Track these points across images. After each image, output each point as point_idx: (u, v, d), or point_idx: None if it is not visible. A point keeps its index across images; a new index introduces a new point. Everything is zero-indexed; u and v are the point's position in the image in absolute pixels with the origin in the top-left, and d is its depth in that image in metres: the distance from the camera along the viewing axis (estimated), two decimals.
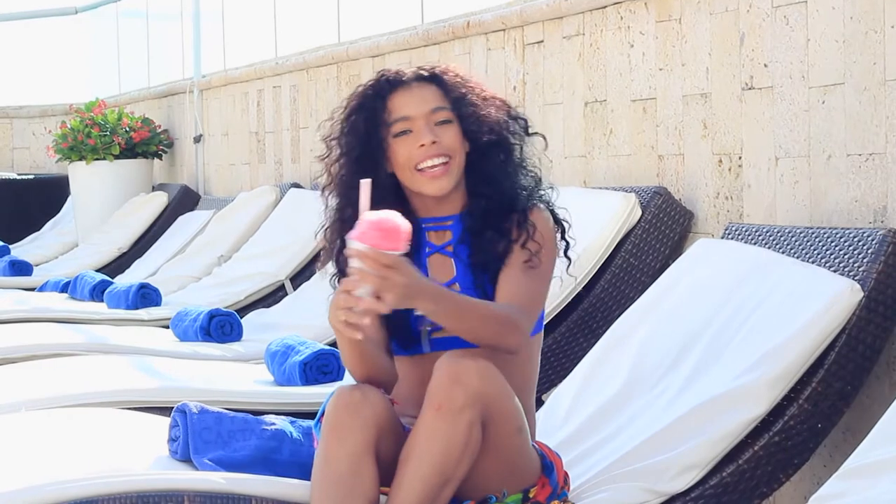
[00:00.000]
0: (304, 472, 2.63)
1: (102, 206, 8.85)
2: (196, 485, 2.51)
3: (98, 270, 7.46)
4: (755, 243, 3.28)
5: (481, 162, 2.59)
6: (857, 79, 3.19)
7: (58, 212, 10.13)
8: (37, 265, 8.31)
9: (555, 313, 3.82)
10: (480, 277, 2.56)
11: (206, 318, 4.72)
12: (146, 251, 7.90)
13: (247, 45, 8.20)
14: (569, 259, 2.65)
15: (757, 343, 2.82)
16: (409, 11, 5.96)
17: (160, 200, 8.41)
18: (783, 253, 3.14)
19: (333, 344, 3.71)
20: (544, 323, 2.68)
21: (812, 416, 2.73)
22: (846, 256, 2.92)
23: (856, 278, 2.83)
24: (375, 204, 2.36)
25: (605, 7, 4.30)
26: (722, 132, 3.76)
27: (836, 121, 3.27)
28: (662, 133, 4.04)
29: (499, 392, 2.42)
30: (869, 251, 2.86)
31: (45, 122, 11.13)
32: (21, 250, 9.22)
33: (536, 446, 2.57)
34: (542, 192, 2.64)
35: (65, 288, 6.64)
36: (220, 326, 4.74)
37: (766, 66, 3.55)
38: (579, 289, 3.85)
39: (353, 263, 2.30)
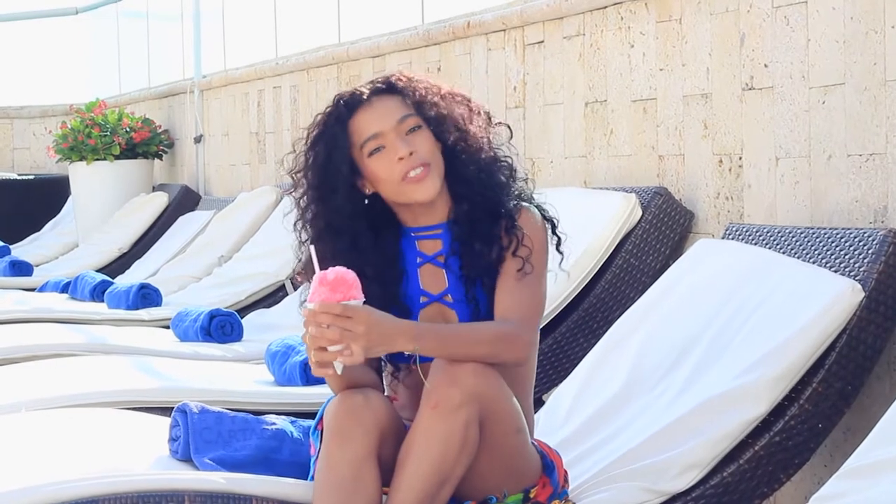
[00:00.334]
0: (304, 472, 2.63)
1: (103, 207, 8.85)
2: (197, 485, 2.51)
3: (98, 271, 7.46)
4: (756, 243, 3.28)
5: (455, 161, 2.56)
6: (857, 79, 3.19)
7: (58, 212, 10.13)
8: (37, 265, 8.31)
9: (555, 313, 3.82)
10: (472, 291, 2.55)
11: (206, 319, 4.72)
12: (147, 251, 7.90)
13: (247, 45, 8.20)
14: (561, 253, 2.62)
15: (758, 343, 2.82)
16: (409, 12, 5.96)
17: (160, 201, 8.41)
18: (784, 253, 3.14)
19: None
20: (544, 324, 2.68)
21: (813, 416, 2.73)
22: (847, 257, 2.92)
23: (856, 278, 2.83)
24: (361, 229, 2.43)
25: (605, 7, 4.30)
26: (722, 132, 3.76)
27: (837, 121, 3.27)
28: (663, 133, 4.04)
29: (496, 392, 2.42)
30: (869, 251, 2.87)
31: (45, 122, 11.13)
32: (21, 250, 9.22)
33: (537, 445, 2.57)
34: (522, 184, 2.60)
35: (65, 288, 6.64)
36: (221, 327, 4.74)
37: (766, 66, 3.55)
38: (580, 289, 3.85)
39: (310, 326, 2.32)
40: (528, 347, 2.50)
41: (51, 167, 10.81)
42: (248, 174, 7.88)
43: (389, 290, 2.55)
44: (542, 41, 4.70)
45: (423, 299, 2.57)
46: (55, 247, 9.24)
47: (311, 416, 2.67)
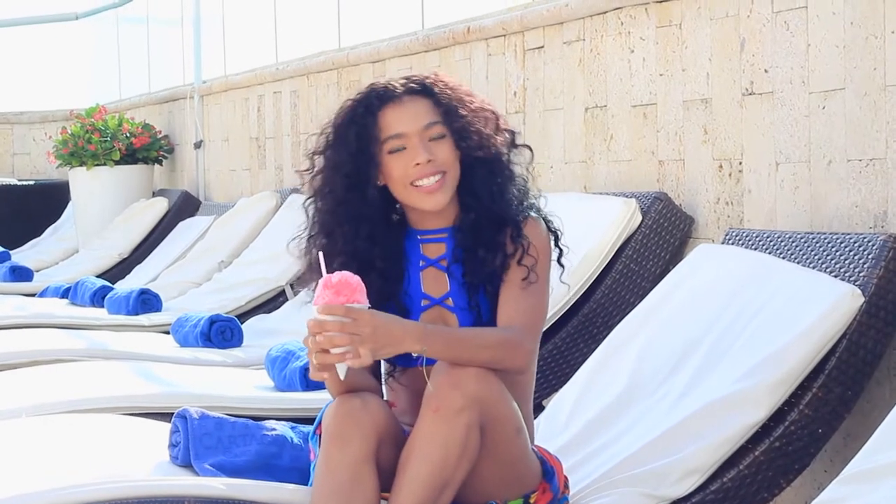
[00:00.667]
0: (304, 477, 2.63)
1: (103, 212, 8.85)
2: (197, 490, 2.51)
3: (98, 276, 7.46)
4: (756, 249, 3.28)
5: (471, 175, 2.56)
6: (857, 84, 3.19)
7: (58, 217, 10.13)
8: (37, 271, 8.31)
9: (555, 319, 3.82)
10: (475, 298, 2.55)
11: (206, 324, 4.72)
12: (147, 257, 7.90)
13: (247, 50, 8.20)
14: (562, 266, 2.63)
15: (757, 348, 2.82)
16: (409, 17, 5.96)
17: (160, 206, 8.41)
18: (784, 258, 3.14)
19: None
20: (544, 329, 2.68)
21: (813, 422, 2.73)
22: (847, 262, 2.92)
23: (856, 283, 2.83)
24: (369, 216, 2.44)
25: (605, 12, 4.31)
26: (722, 137, 3.76)
27: (837, 126, 3.27)
28: (663, 138, 4.04)
29: (497, 396, 2.42)
30: (869, 256, 2.87)
31: (45, 127, 11.14)
32: (21, 256, 9.22)
33: (537, 451, 2.57)
34: (533, 201, 2.61)
35: (65, 294, 6.64)
36: (221, 332, 4.74)
37: (766, 71, 3.55)
38: (580, 294, 3.85)
39: (313, 329, 2.33)
40: (529, 356, 2.51)
41: (51, 172, 10.81)
42: (248, 179, 7.88)
43: (391, 287, 2.55)
44: (542, 46, 4.70)
45: (424, 302, 2.58)
46: (55, 252, 9.24)
47: (311, 421, 2.67)
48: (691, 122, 3.90)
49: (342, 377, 2.36)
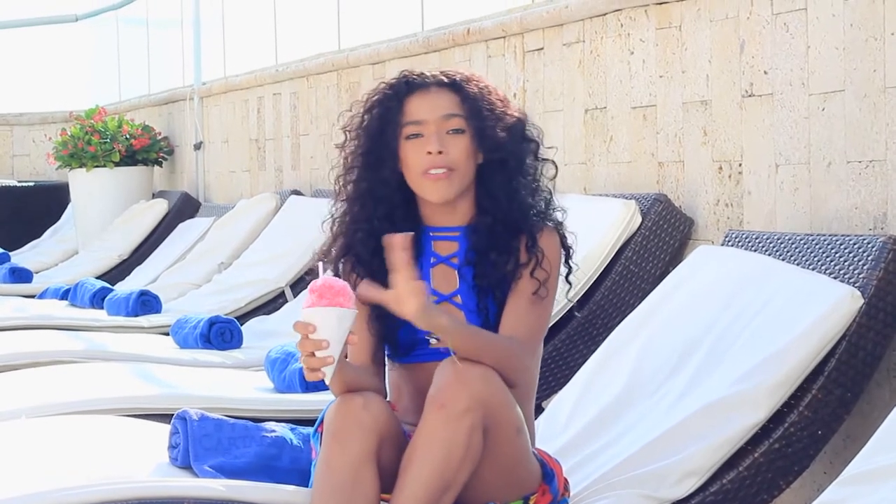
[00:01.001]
0: (304, 479, 2.63)
1: (102, 214, 8.86)
2: (196, 492, 2.51)
3: (98, 277, 7.46)
4: (755, 250, 3.28)
5: (490, 178, 2.58)
6: (857, 86, 3.19)
7: (58, 219, 10.13)
8: (37, 272, 8.31)
9: (555, 320, 3.82)
10: (483, 301, 2.56)
11: (206, 326, 4.72)
12: (146, 258, 7.90)
13: (247, 52, 8.21)
14: (570, 284, 2.64)
15: (757, 349, 2.82)
16: (409, 19, 5.96)
17: (160, 207, 8.41)
18: (783, 260, 3.14)
19: None
20: None
21: (812, 423, 2.73)
22: (846, 263, 2.93)
23: (856, 285, 2.83)
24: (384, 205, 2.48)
25: (605, 14, 4.31)
26: (722, 139, 3.76)
27: (836, 128, 3.27)
28: (662, 140, 4.05)
29: (500, 398, 2.42)
30: (869, 258, 2.87)
31: (45, 129, 11.14)
32: (21, 257, 9.22)
33: (536, 453, 2.57)
34: (553, 213, 2.62)
35: (65, 295, 6.64)
36: (221, 333, 4.74)
37: (766, 73, 3.55)
38: (579, 296, 3.85)
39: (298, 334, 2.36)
40: (525, 372, 2.53)
41: (50, 174, 10.81)
42: (248, 181, 7.88)
43: None
44: (542, 48, 4.70)
45: (432, 298, 2.57)
46: (55, 254, 9.24)
47: (310, 422, 2.67)
48: (691, 123, 3.90)
49: (327, 381, 2.38)
